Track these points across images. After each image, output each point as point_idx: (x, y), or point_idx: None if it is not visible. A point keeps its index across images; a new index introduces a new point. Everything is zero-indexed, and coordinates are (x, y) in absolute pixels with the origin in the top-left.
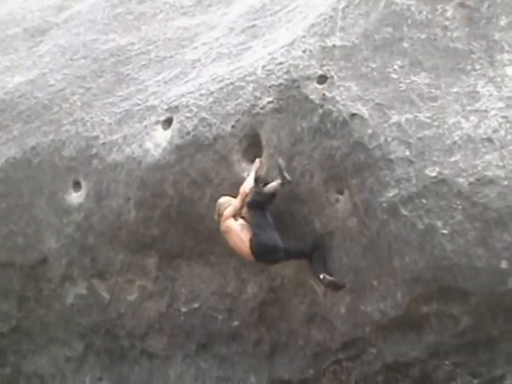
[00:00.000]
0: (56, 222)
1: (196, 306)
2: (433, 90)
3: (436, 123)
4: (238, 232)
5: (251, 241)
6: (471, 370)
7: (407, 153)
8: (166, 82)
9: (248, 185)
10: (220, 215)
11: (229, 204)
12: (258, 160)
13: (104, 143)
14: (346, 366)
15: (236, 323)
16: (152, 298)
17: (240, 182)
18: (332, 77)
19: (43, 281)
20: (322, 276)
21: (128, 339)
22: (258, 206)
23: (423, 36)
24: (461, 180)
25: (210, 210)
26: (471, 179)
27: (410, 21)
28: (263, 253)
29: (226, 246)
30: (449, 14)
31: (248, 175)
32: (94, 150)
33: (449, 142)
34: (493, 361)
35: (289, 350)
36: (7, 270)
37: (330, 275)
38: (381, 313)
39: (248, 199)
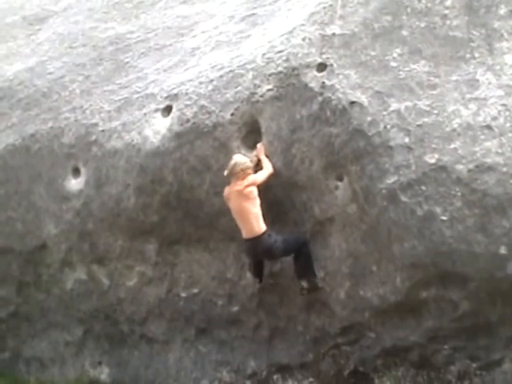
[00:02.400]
0: (55, 208)
1: (195, 291)
2: (432, 78)
3: (435, 111)
4: (258, 206)
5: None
6: (470, 354)
7: (406, 140)
8: (165, 70)
9: (271, 166)
10: (233, 174)
11: (245, 166)
12: (260, 144)
13: (103, 130)
14: (345, 351)
15: (235, 308)
16: (151, 284)
17: None
18: (331, 65)
19: (42, 266)
20: (301, 285)
21: (127, 324)
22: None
23: (422, 24)
24: (460, 167)
25: (210, 196)
26: (470, 166)
27: (409, 9)
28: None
29: (226, 232)
30: (448, 2)
31: (258, 158)
32: (94, 137)
33: (448, 129)
34: (491, 345)
35: (288, 335)
36: (6, 256)
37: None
38: (380, 298)
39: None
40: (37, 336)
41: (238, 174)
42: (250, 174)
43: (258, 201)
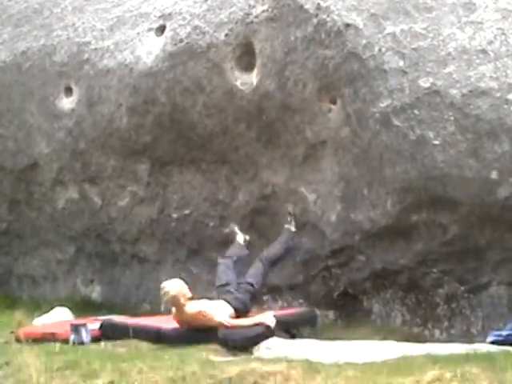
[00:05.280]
0: (47, 126)
1: (187, 212)
2: (428, 1)
3: (431, 34)
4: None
5: None
6: (458, 278)
7: (401, 63)
8: None
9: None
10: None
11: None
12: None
13: (96, 49)
14: (335, 273)
15: (227, 230)
16: (143, 204)
17: (232, 90)
18: None
19: (34, 185)
20: None
21: (119, 244)
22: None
23: None
24: (454, 91)
25: (202, 117)
26: (464, 90)
27: None
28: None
29: (218, 154)
30: None
31: None
32: (86, 56)
33: (443, 53)
34: (480, 269)
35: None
36: None
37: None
38: (371, 221)
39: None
40: (28, 254)
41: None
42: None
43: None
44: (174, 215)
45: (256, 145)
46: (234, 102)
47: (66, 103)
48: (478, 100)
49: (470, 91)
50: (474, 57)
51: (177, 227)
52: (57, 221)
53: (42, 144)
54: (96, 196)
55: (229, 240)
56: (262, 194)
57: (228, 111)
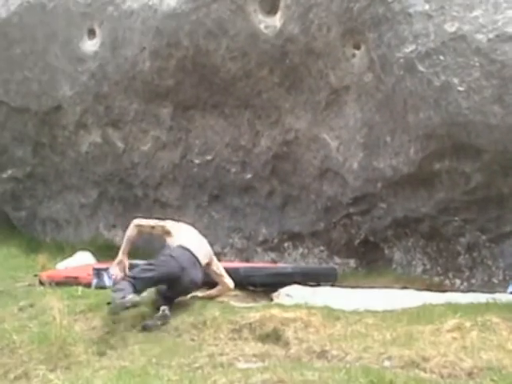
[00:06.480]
0: (70, 69)
1: (209, 157)
2: None
3: None
4: None
5: None
6: (480, 226)
7: (427, 7)
8: None
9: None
10: None
11: None
12: None
13: None
14: (357, 220)
15: (249, 176)
16: (166, 149)
17: (256, 33)
18: None
19: (58, 128)
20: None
21: (142, 188)
22: None
23: None
24: (480, 36)
25: (226, 61)
26: (490, 35)
27: None
28: None
29: (241, 98)
30: None
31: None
32: None
33: None
34: (502, 217)
35: (300, 204)
36: (22, 115)
37: None
38: (393, 169)
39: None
40: (52, 197)
41: None
42: None
43: None
44: (196, 160)
45: (279, 89)
46: (257, 46)
47: (90, 45)
48: (505, 45)
49: (497, 36)
50: (501, 0)
51: (199, 172)
52: (80, 165)
53: (66, 87)
54: (119, 140)
55: (249, 186)
56: (285, 139)
57: (251, 55)
